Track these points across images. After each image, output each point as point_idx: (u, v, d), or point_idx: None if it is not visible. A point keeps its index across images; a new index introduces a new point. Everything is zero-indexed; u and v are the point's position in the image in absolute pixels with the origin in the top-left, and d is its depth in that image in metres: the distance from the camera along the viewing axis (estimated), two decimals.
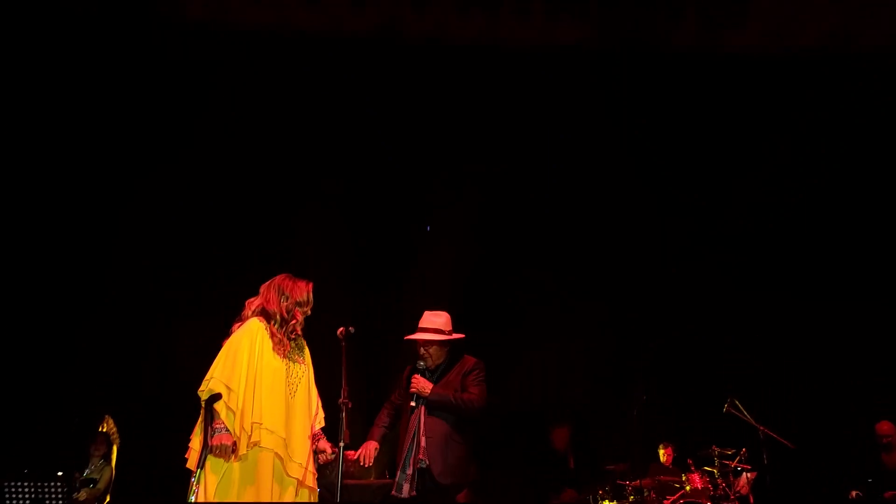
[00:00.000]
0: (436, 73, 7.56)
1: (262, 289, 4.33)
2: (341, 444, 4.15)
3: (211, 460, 4.00)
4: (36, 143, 7.46)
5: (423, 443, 4.68)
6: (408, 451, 4.69)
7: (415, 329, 4.90)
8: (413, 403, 4.76)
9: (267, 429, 4.06)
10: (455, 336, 4.93)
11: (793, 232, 8.32)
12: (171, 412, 7.09)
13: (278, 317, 4.24)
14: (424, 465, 4.66)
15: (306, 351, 4.41)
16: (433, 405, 4.73)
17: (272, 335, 4.21)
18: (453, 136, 7.87)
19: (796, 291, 8.26)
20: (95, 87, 7.42)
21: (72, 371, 7.35)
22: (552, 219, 8.24)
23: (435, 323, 4.90)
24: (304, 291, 4.31)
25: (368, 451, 4.74)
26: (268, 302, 4.26)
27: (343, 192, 7.93)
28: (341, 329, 4.38)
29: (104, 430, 6.89)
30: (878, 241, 8.16)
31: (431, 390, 4.74)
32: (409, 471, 4.63)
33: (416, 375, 4.82)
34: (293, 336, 4.27)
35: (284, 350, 4.23)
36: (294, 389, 4.23)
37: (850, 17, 7.09)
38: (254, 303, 4.30)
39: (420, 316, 4.95)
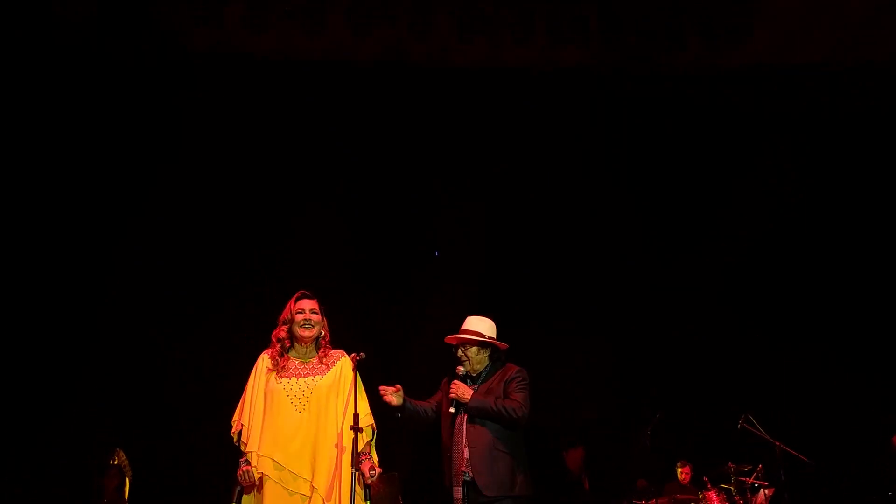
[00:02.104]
0: (439, 95, 7.58)
1: None
2: (353, 471, 4.00)
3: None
4: (42, 164, 7.48)
5: (466, 454, 4.48)
6: (454, 464, 4.51)
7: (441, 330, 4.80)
8: (452, 410, 4.56)
9: (258, 453, 4.09)
10: (496, 342, 4.74)
11: (803, 246, 8.31)
12: (182, 442, 7.11)
13: (275, 342, 4.31)
14: (468, 478, 4.46)
15: (338, 364, 4.31)
16: (473, 412, 4.51)
17: (272, 357, 4.28)
18: (457, 158, 7.88)
19: (809, 304, 8.24)
20: (105, 111, 7.46)
21: (82, 405, 7.32)
22: (560, 238, 8.21)
23: (477, 326, 4.74)
24: (288, 310, 4.31)
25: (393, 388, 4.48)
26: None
27: (350, 215, 7.93)
28: (353, 355, 4.28)
29: (116, 462, 6.84)
30: (891, 251, 8.14)
31: (472, 397, 4.54)
32: (459, 485, 4.46)
33: (455, 381, 4.62)
34: (283, 353, 4.25)
35: (283, 370, 4.23)
36: (303, 403, 4.17)
37: (854, 30, 7.10)
38: None
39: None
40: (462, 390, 4.56)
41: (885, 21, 7.06)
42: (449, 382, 4.66)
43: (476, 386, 4.65)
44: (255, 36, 6.71)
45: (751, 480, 7.38)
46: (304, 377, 4.23)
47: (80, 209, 7.50)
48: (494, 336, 4.76)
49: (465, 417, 4.55)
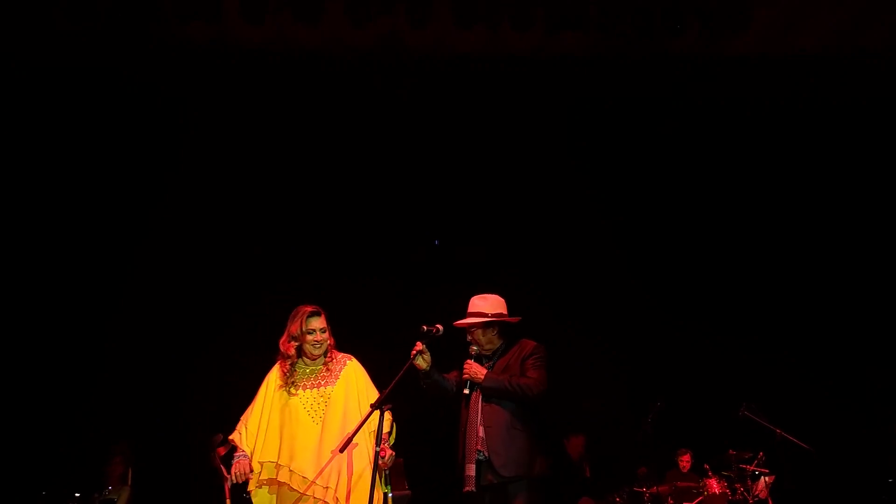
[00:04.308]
0: (437, 85, 7.54)
1: None
2: (376, 449, 4.02)
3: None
4: (42, 173, 7.59)
5: (481, 433, 4.41)
6: (469, 442, 4.43)
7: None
8: (466, 391, 4.48)
9: (279, 464, 4.18)
10: (501, 318, 4.59)
11: (803, 236, 8.26)
12: (188, 435, 7.21)
13: (284, 355, 4.38)
14: (483, 458, 4.40)
15: (346, 372, 4.38)
16: (488, 392, 4.44)
17: (282, 374, 4.35)
18: (457, 146, 7.86)
19: (810, 290, 8.21)
20: (102, 110, 7.51)
21: (90, 393, 7.45)
22: (559, 229, 8.20)
23: (478, 307, 4.61)
24: (297, 324, 4.34)
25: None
26: (281, 340, 4.40)
27: (352, 206, 7.94)
28: (436, 328, 4.24)
29: (121, 452, 6.97)
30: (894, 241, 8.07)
31: (486, 376, 4.45)
32: (472, 462, 4.40)
33: (468, 361, 4.54)
34: (291, 369, 4.33)
35: (294, 385, 4.32)
36: (319, 415, 4.26)
37: (854, 17, 7.01)
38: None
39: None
40: (475, 370, 4.49)
41: (886, 8, 6.94)
42: (463, 362, 4.60)
43: (491, 364, 4.57)
44: (253, 27, 6.67)
45: (751, 468, 7.40)
46: (317, 388, 4.31)
47: (90, 212, 7.63)
48: (504, 311, 4.65)
49: (480, 396, 4.48)
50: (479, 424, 4.42)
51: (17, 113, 7.31)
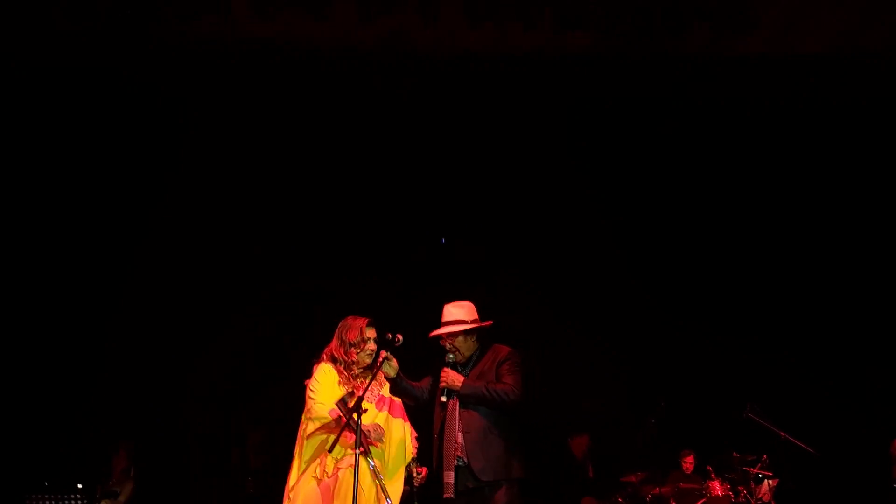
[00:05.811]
0: (439, 83, 7.53)
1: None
2: (359, 451, 4.09)
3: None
4: (42, 173, 7.58)
5: (459, 439, 4.46)
6: (447, 449, 4.48)
7: (437, 325, 4.70)
8: (444, 398, 4.53)
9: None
10: (480, 324, 4.65)
11: (807, 236, 8.26)
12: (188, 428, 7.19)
13: (340, 360, 4.54)
14: (463, 463, 4.45)
15: (386, 387, 4.59)
16: (466, 399, 4.49)
17: (339, 373, 4.52)
18: (456, 145, 7.85)
19: (811, 290, 8.20)
20: (102, 110, 7.48)
21: (91, 392, 7.43)
22: (561, 227, 8.18)
23: (455, 315, 4.64)
24: (356, 333, 4.53)
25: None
26: (332, 347, 4.59)
27: (352, 206, 7.92)
28: (394, 336, 4.34)
29: (124, 447, 6.99)
30: None
31: (463, 383, 4.50)
32: (451, 469, 4.45)
33: (445, 369, 4.57)
34: (356, 373, 4.51)
35: (353, 385, 4.48)
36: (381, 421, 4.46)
37: (856, 18, 7.03)
38: (328, 347, 4.64)
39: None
40: (452, 378, 4.53)
41: (887, 9, 6.96)
42: (439, 370, 4.63)
43: (467, 371, 4.63)
44: (261, 23, 6.64)
45: (755, 470, 7.35)
46: (375, 406, 4.51)
47: (90, 212, 7.63)
48: (477, 317, 4.70)
49: (458, 402, 4.54)
50: (458, 431, 4.48)
51: (18, 113, 7.28)
